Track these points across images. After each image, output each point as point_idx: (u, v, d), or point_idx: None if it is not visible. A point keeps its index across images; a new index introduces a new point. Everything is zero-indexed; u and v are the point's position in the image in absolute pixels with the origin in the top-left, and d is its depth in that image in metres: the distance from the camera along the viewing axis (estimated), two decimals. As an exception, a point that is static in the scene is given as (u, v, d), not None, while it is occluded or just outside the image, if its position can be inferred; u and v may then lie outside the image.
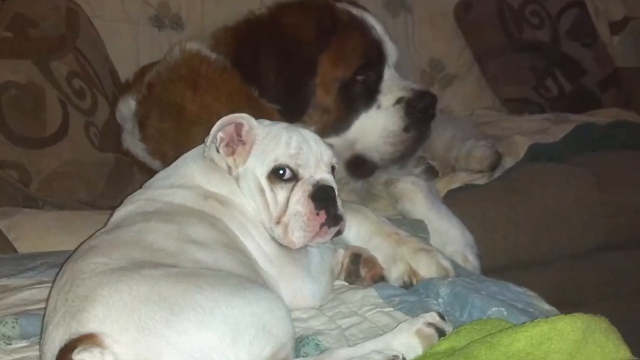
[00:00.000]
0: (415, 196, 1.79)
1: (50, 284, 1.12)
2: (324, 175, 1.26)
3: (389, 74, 1.83)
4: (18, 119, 1.84)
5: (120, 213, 1.24)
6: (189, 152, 1.36)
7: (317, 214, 1.21)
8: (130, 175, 2.01)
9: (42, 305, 1.17)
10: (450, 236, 1.73)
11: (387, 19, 2.99)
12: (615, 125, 2.61)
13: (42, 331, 1.01)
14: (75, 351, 0.87)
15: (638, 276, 2.37)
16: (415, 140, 1.80)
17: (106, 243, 1.10)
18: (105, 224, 1.25)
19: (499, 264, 2.06)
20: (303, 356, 1.07)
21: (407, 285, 1.39)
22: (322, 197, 1.22)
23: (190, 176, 1.29)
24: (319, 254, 1.30)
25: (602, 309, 1.08)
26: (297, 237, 1.21)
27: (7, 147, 1.83)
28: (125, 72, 2.25)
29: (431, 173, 2.13)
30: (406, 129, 1.77)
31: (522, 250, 2.18)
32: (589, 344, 0.94)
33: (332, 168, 1.30)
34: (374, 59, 1.81)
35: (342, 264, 1.40)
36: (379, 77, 1.81)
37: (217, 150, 1.27)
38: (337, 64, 1.77)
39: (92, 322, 0.90)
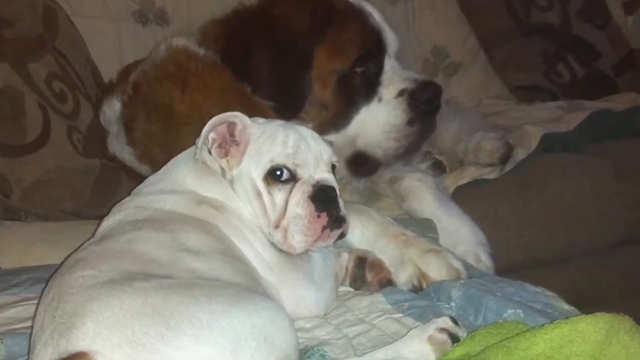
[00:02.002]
0: (422, 194, 1.79)
1: (36, 301, 1.13)
2: (324, 175, 1.26)
3: (389, 64, 1.84)
4: (-4, 126, 1.84)
5: (109, 222, 1.24)
6: (180, 155, 1.36)
7: (318, 217, 1.21)
8: (117, 182, 2.01)
9: (29, 323, 1.17)
10: (461, 235, 1.73)
11: (386, 6, 3.00)
12: (633, 111, 2.61)
13: (29, 351, 1.01)
14: (66, 371, 0.87)
15: (662, 271, 2.37)
16: (420, 134, 1.81)
17: (94, 255, 1.09)
18: (93, 234, 1.25)
19: (514, 262, 2.06)
20: (308, 368, 1.07)
21: (417, 289, 1.40)
22: (322, 198, 1.22)
23: (182, 180, 1.29)
24: (322, 259, 1.30)
25: (625, 308, 1.07)
26: (297, 241, 1.21)
27: (-15, 156, 1.82)
28: (109, 72, 2.25)
29: (438, 169, 2.14)
30: (410, 123, 1.78)
31: (538, 247, 2.17)
32: (613, 345, 0.94)
33: (333, 167, 1.30)
34: (373, 49, 1.81)
35: (346, 269, 1.41)
36: (379, 68, 1.82)
37: (209, 152, 1.27)
38: (334, 56, 1.77)
39: (82, 339, 0.90)
